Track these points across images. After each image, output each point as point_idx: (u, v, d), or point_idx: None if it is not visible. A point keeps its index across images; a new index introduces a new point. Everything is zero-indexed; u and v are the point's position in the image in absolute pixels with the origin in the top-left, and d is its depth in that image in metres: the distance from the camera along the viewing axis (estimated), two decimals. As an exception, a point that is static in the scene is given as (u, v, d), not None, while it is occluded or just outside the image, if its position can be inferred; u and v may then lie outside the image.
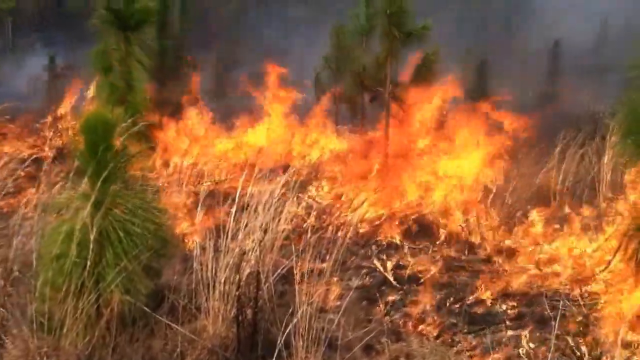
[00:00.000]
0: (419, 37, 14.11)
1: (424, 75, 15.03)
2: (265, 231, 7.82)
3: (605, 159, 12.08)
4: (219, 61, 27.43)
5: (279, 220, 8.11)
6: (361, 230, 11.34)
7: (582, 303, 8.43)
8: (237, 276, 7.35)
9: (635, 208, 9.88)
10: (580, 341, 7.34)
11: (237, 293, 7.28)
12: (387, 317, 8.45)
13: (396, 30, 13.78)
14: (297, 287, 7.19)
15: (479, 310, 8.71)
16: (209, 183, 13.18)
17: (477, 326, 8.24)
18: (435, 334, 8.10)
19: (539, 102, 24.03)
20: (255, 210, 8.02)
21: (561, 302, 7.62)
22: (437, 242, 10.99)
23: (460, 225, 11.49)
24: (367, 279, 9.56)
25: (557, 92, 25.95)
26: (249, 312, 7.35)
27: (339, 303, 7.79)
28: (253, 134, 16.86)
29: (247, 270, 7.53)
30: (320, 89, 19.29)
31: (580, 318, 7.96)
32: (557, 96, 25.36)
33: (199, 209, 8.72)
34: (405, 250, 10.66)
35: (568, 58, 27.76)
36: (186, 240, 9.72)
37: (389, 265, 9.99)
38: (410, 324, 8.37)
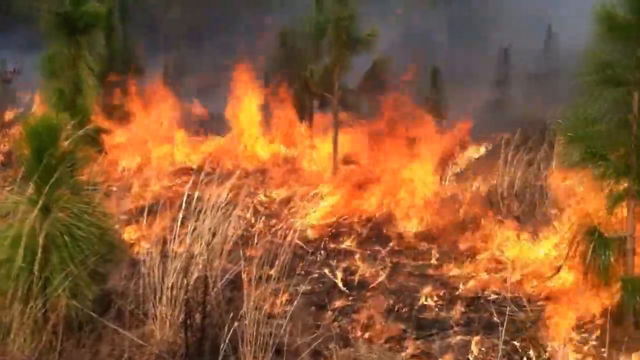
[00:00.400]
0: (366, 44, 14.21)
1: (373, 82, 15.12)
2: (214, 235, 7.80)
3: (553, 164, 12.30)
4: (170, 67, 27.23)
5: (227, 225, 8.10)
6: (311, 236, 11.35)
7: (530, 308, 8.55)
8: (185, 281, 7.32)
9: (583, 213, 10.05)
10: (528, 346, 7.44)
11: (185, 298, 7.24)
12: (335, 323, 8.47)
13: (344, 36, 13.86)
14: (245, 292, 7.18)
15: (428, 315, 8.79)
16: (157, 187, 13.08)
17: (426, 331, 8.30)
18: (383, 340, 8.12)
19: (488, 108, 24.29)
20: (204, 214, 7.99)
21: (508, 308, 7.72)
22: (388, 248, 11.04)
23: (410, 230, 11.58)
24: (316, 284, 9.57)
25: (505, 99, 26.26)
26: (197, 317, 7.31)
27: (287, 308, 7.77)
28: (204, 138, 16.82)
29: (195, 275, 7.51)
30: (269, 95, 19.27)
31: (528, 323, 8.07)
32: (506, 103, 25.67)
33: (145, 213, 8.66)
34: (356, 255, 10.70)
35: (517, 65, 28.12)
36: (134, 245, 9.64)
37: (339, 270, 10.01)
38: (358, 329, 8.40)
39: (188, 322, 7.21)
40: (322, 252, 10.79)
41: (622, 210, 8.04)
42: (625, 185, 7.86)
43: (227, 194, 8.59)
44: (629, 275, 7.82)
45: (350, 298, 9.25)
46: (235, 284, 7.97)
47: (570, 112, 8.10)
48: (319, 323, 8.32)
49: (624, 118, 7.83)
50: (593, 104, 7.84)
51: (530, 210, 11.48)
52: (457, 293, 9.29)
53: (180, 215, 8.06)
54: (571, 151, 8.24)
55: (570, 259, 9.28)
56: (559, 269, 9.33)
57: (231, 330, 6.68)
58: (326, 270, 10.00)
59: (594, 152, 7.87)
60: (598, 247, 7.82)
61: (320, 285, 9.57)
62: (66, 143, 6.92)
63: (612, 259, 7.78)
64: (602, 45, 7.73)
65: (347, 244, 11.11)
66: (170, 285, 7.32)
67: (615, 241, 7.91)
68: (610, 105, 7.83)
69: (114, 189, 12.22)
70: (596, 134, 7.85)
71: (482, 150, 13.85)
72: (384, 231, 11.47)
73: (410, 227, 11.65)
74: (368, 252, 10.85)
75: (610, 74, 7.64)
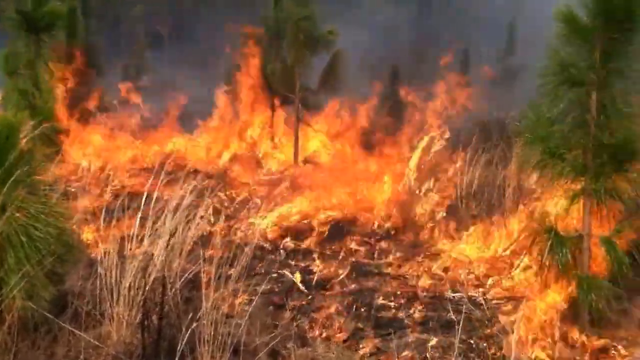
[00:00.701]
0: (326, 43, 14.25)
1: (332, 81, 15.16)
2: (173, 236, 7.75)
3: (512, 164, 12.39)
4: (131, 66, 27.06)
5: (186, 225, 8.05)
6: (271, 236, 11.33)
7: (487, 306, 8.63)
8: (144, 281, 7.27)
9: (541, 212, 10.16)
10: (484, 344, 7.49)
11: (142, 298, 7.19)
12: (293, 322, 8.46)
13: (303, 36, 13.89)
14: (203, 292, 7.14)
15: (386, 314, 8.81)
16: (117, 187, 12.97)
17: (384, 330, 8.32)
18: (341, 339, 8.13)
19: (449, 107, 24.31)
20: (163, 214, 7.94)
21: (464, 306, 7.76)
22: (348, 247, 11.06)
23: (371, 230, 11.61)
24: (275, 284, 9.56)
25: (466, 98, 26.35)
26: (154, 317, 7.26)
27: (246, 308, 7.74)
28: (164, 139, 16.70)
29: (154, 276, 7.45)
30: (234, 95, 19.19)
31: (484, 321, 8.14)
32: (467, 102, 25.76)
33: (103, 213, 8.57)
34: (315, 255, 10.71)
35: (477, 65, 28.28)
36: (92, 245, 9.53)
37: (298, 270, 10.02)
38: (317, 329, 8.40)
39: (145, 322, 7.15)
40: (281, 251, 10.79)
41: (579, 210, 8.15)
42: (582, 184, 7.96)
43: (187, 194, 8.52)
44: (584, 273, 7.91)
45: (309, 297, 9.25)
46: (194, 284, 7.93)
47: (530, 112, 8.19)
48: (277, 323, 8.30)
49: (582, 118, 7.91)
50: (553, 104, 7.94)
51: (488, 209, 11.53)
52: (415, 292, 9.33)
53: (139, 216, 7.99)
54: (530, 151, 8.34)
55: (528, 258, 9.41)
56: (516, 267, 9.42)
57: (189, 331, 6.65)
58: (285, 270, 10.00)
59: (552, 152, 7.97)
60: (555, 246, 7.92)
61: (280, 285, 9.56)
62: (24, 142, 6.84)
63: (568, 258, 7.87)
64: (563, 46, 7.83)
65: (307, 243, 11.11)
66: (127, 285, 7.26)
67: (571, 240, 8.01)
68: (569, 105, 7.93)
69: (73, 189, 12.09)
70: (555, 133, 7.96)
71: (438, 147, 13.87)
72: (344, 231, 11.47)
73: (370, 226, 11.67)
74: (328, 251, 10.88)
75: (570, 75, 7.75)
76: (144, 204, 8.04)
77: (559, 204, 9.12)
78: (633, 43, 7.65)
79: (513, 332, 7.41)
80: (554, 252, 7.89)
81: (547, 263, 7.98)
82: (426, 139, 13.27)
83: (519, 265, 9.64)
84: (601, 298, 7.73)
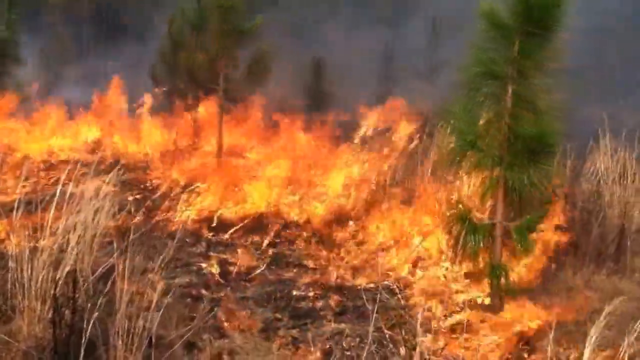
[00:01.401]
0: (251, 34, 14.13)
1: (257, 73, 15.04)
2: (86, 228, 7.60)
3: (433, 154, 12.52)
4: (51, 55, 26.50)
5: (102, 217, 7.91)
6: (192, 228, 11.21)
7: (402, 295, 8.72)
8: (56, 275, 7.12)
9: (456, 201, 10.31)
10: (397, 332, 7.54)
11: (53, 293, 7.03)
12: (211, 314, 8.39)
13: (227, 26, 13.74)
14: (118, 285, 7.03)
15: (304, 305, 8.82)
16: (33, 180, 12.69)
17: (301, 321, 8.33)
18: (259, 330, 8.10)
19: (374, 101, 24.46)
20: (78, 207, 7.78)
21: (379, 295, 7.80)
22: (268, 239, 11.01)
23: (292, 221, 11.60)
24: (194, 276, 9.46)
25: (389, 91, 26.54)
26: (66, 312, 7.12)
27: (162, 301, 7.65)
28: (80, 131, 16.38)
29: (67, 269, 7.30)
30: (156, 85, 18.91)
31: (399, 310, 8.21)
32: (389, 95, 25.93)
33: (16, 206, 8.37)
34: (236, 247, 10.64)
35: (400, 58, 28.51)
36: (3, 240, 9.31)
37: (218, 262, 9.94)
38: (234, 320, 8.35)
39: (57, 317, 7.00)
40: (202, 243, 10.68)
41: (494, 199, 8.32)
42: (497, 174, 8.11)
43: (105, 186, 8.38)
44: (496, 259, 8.09)
45: (228, 289, 9.19)
46: (109, 277, 7.80)
47: (452, 104, 8.35)
48: (194, 315, 8.22)
49: (498, 111, 8.08)
50: (472, 97, 8.10)
51: (409, 198, 11.62)
52: (333, 282, 9.36)
53: (54, 208, 7.81)
54: (451, 141, 8.49)
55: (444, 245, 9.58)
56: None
57: (102, 325, 6.54)
58: (205, 262, 9.91)
59: (471, 143, 8.12)
60: (469, 233, 8.07)
61: (198, 277, 9.47)
62: None
63: (480, 244, 8.04)
64: (484, 41, 8.01)
65: (228, 235, 11.03)
66: (39, 279, 7.10)
67: (484, 227, 8.17)
68: (487, 98, 8.09)
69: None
70: (473, 125, 8.11)
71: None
72: (266, 222, 11.44)
73: (292, 218, 11.66)
74: (249, 243, 10.82)
75: (489, 68, 7.97)
76: (59, 197, 7.86)
77: (474, 193, 9.30)
78: (549, 40, 7.87)
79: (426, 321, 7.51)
80: (468, 239, 8.04)
81: (462, 250, 8.13)
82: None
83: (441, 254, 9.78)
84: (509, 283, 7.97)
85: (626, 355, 6.03)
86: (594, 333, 6.00)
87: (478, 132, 8.17)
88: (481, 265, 8.32)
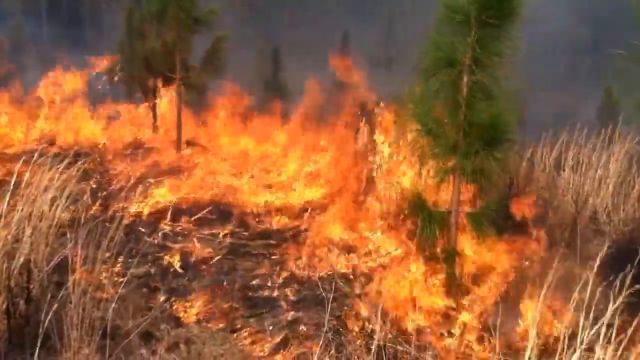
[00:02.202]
0: (207, 22, 14.10)
1: (214, 61, 15.00)
2: (41, 218, 7.53)
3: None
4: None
5: (57, 207, 7.84)
6: (148, 218, 11.14)
7: (359, 284, 8.77)
8: (10, 265, 7.04)
9: (413, 189, 10.37)
10: (353, 319, 7.60)
11: (7, 284, 6.96)
12: (167, 304, 8.38)
13: (183, 14, 13.69)
14: (73, 276, 6.98)
15: (262, 294, 8.83)
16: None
17: (259, 310, 8.34)
18: (215, 319, 8.10)
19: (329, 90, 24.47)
20: (32, 197, 7.70)
21: (333, 283, 7.84)
22: (227, 229, 10.97)
23: (251, 211, 11.57)
24: (151, 266, 9.41)
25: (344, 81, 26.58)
26: (21, 302, 7.06)
27: (119, 291, 7.60)
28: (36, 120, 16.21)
29: (22, 260, 7.22)
30: (113, 76, 18.74)
31: (354, 298, 8.26)
32: (345, 85, 25.98)
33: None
34: (194, 237, 10.59)
35: (357, 48, 28.59)
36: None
37: (175, 252, 9.89)
38: (192, 310, 8.34)
39: (11, 308, 6.94)
40: (159, 234, 10.60)
41: (449, 186, 8.40)
42: (453, 162, 8.17)
43: (61, 176, 8.30)
44: (451, 247, 8.17)
45: (185, 279, 9.16)
46: (64, 268, 7.74)
47: (408, 91, 8.38)
48: (151, 305, 8.21)
49: (454, 98, 8.12)
50: (429, 84, 8.14)
51: (366, 187, 11.64)
52: (291, 272, 9.37)
53: (7, 198, 7.71)
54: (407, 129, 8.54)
55: (395, 236, 9.65)
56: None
57: (56, 315, 6.49)
58: (162, 252, 9.86)
59: (427, 130, 8.17)
60: (425, 221, 8.13)
61: (155, 267, 9.42)
62: None
63: (436, 232, 8.11)
64: (442, 28, 8.04)
65: (186, 225, 10.97)
66: (-8, 270, 7.01)
67: (440, 215, 8.24)
68: (444, 85, 8.13)
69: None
70: (430, 112, 8.16)
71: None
72: (225, 212, 11.40)
73: (251, 208, 11.65)
74: (207, 233, 10.76)
75: (445, 56, 7.98)
76: (13, 186, 7.76)
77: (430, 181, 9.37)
78: (505, 29, 7.94)
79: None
80: (425, 227, 8.11)
81: (419, 238, 8.21)
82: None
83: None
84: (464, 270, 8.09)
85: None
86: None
87: (434, 120, 8.21)
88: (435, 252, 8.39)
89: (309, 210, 11.40)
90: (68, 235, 7.51)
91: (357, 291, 8.51)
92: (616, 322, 5.86)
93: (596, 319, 5.84)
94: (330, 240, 10.01)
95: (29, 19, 31.17)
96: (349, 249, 9.79)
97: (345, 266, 9.39)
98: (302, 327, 7.81)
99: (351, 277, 9.07)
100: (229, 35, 14.95)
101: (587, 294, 5.91)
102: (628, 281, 6.05)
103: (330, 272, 9.14)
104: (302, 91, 16.10)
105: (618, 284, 6.07)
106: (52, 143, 14.60)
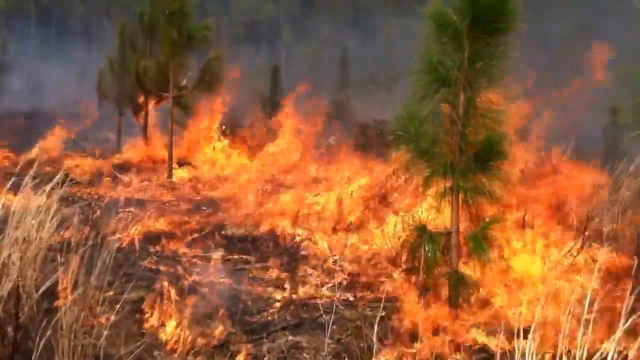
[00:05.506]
0: (202, 40, 13.96)
1: (208, 80, 14.85)
2: (29, 243, 7.35)
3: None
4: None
5: (46, 231, 7.66)
6: (141, 242, 10.95)
7: (360, 309, 8.60)
8: (-3, 292, 6.85)
9: (413, 211, 10.25)
10: (354, 344, 7.41)
11: (-5, 311, 6.77)
12: (161, 329, 8.17)
13: (175, 32, 13.54)
14: (64, 302, 6.79)
15: (260, 318, 8.63)
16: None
17: (257, 335, 8.13)
18: (213, 345, 7.89)
19: (331, 109, 24.52)
20: (19, 221, 7.51)
21: (334, 307, 7.67)
22: (221, 252, 10.79)
23: (244, 233, 11.43)
24: (144, 290, 9.20)
25: (346, 100, 26.62)
26: (9, 330, 6.87)
27: (111, 317, 7.41)
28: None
29: (9, 286, 7.03)
30: (103, 93, 18.56)
31: (355, 320, 8.08)
32: (346, 104, 26.02)
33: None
34: (188, 260, 10.42)
35: (357, 68, 28.62)
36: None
37: (169, 276, 9.69)
38: (187, 335, 8.12)
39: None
40: (153, 257, 10.41)
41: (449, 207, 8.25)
42: (450, 182, 8.04)
43: (48, 200, 8.12)
44: (453, 268, 8.00)
45: (180, 303, 8.94)
46: (54, 294, 7.55)
47: (403, 111, 8.24)
48: (144, 331, 8.01)
49: (450, 117, 8.00)
50: (423, 103, 8.00)
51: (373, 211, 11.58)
52: (289, 295, 9.19)
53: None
54: (403, 150, 8.40)
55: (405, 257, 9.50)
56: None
57: (45, 343, 6.29)
58: (156, 276, 9.66)
59: (423, 151, 8.03)
60: (425, 243, 7.97)
61: (149, 291, 9.21)
62: None
63: (437, 254, 7.95)
64: (433, 45, 7.90)
65: (181, 249, 10.79)
66: (-20, 297, 6.82)
67: (441, 236, 8.09)
68: (439, 104, 8.01)
69: None
70: (426, 132, 8.01)
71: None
72: (218, 235, 11.24)
73: (241, 231, 11.50)
74: (201, 256, 10.59)
75: (439, 74, 7.86)
76: (2, 210, 7.58)
77: (430, 203, 9.24)
78: (499, 44, 7.80)
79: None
80: (425, 249, 7.95)
81: (420, 260, 8.04)
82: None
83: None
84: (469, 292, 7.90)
85: None
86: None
87: (430, 140, 8.06)
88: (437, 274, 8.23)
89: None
90: (58, 259, 7.35)
91: (359, 314, 8.33)
92: None
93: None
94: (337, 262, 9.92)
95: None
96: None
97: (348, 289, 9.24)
98: (302, 351, 7.61)
99: (352, 299, 8.90)
100: (223, 54, 14.79)
101: None
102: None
103: (332, 296, 8.98)
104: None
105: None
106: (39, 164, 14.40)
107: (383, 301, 7.55)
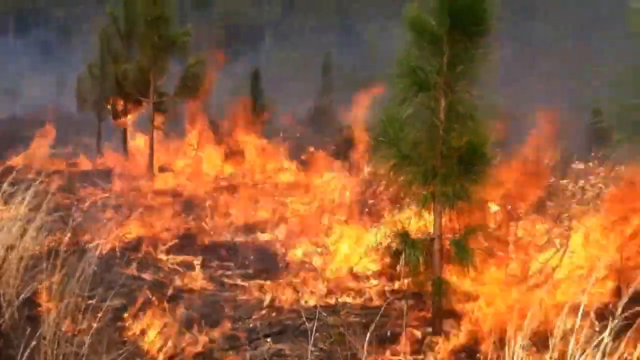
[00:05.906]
0: (182, 46, 13.89)
1: (190, 85, 14.79)
2: (9, 250, 7.29)
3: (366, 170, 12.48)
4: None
5: (26, 238, 7.61)
6: (122, 248, 10.88)
7: (342, 315, 8.58)
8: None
9: (394, 217, 10.23)
10: (337, 349, 7.38)
11: (-24, 320, 6.72)
12: (143, 336, 8.11)
13: (156, 37, 13.48)
14: (45, 310, 6.74)
15: (242, 325, 8.58)
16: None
17: (238, 342, 8.08)
18: (195, 352, 7.85)
19: (312, 114, 24.48)
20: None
21: (317, 314, 7.66)
22: (203, 258, 10.75)
23: (227, 239, 11.39)
24: (126, 298, 9.13)
25: (327, 105, 26.59)
26: (-10, 338, 6.82)
27: (93, 325, 7.35)
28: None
29: (-10, 294, 6.97)
30: (82, 99, 18.43)
31: (338, 327, 8.04)
32: (327, 108, 25.98)
33: None
34: (170, 267, 10.37)
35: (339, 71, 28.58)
36: None
37: (151, 282, 9.63)
38: (168, 342, 8.07)
39: (-20, 344, 6.69)
40: (133, 264, 10.33)
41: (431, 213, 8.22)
42: (432, 188, 7.99)
43: (27, 206, 8.06)
44: (436, 274, 7.97)
45: (162, 310, 8.88)
46: (36, 301, 7.50)
47: (383, 114, 8.18)
48: (126, 339, 7.95)
49: (431, 122, 7.94)
50: (403, 108, 7.95)
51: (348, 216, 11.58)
52: (272, 301, 9.17)
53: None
54: (383, 155, 8.35)
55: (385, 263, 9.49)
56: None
57: (29, 351, 6.23)
58: (137, 283, 9.60)
59: (404, 156, 7.97)
60: (407, 249, 7.93)
61: (131, 298, 9.14)
62: None
63: (419, 260, 7.91)
64: (413, 50, 7.85)
65: (162, 255, 10.73)
66: (-39, 306, 6.77)
67: (423, 242, 8.05)
68: (419, 109, 7.95)
69: None
70: (406, 137, 7.96)
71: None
72: (199, 241, 11.19)
73: (222, 237, 11.46)
74: (183, 263, 10.54)
75: (418, 79, 7.77)
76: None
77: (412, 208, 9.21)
78: (478, 47, 7.76)
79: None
80: (407, 255, 7.91)
81: (403, 267, 8.00)
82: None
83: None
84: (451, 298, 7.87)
85: None
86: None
87: (411, 145, 8.01)
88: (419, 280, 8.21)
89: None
90: (40, 267, 7.30)
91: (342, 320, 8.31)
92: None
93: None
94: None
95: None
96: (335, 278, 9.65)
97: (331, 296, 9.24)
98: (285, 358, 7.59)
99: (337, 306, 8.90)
100: (204, 60, 14.72)
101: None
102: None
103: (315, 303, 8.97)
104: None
105: None
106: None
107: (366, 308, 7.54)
